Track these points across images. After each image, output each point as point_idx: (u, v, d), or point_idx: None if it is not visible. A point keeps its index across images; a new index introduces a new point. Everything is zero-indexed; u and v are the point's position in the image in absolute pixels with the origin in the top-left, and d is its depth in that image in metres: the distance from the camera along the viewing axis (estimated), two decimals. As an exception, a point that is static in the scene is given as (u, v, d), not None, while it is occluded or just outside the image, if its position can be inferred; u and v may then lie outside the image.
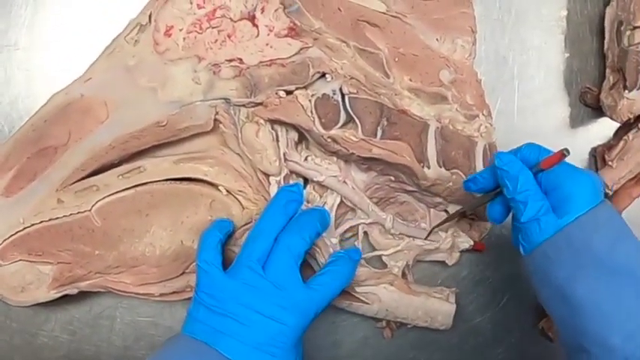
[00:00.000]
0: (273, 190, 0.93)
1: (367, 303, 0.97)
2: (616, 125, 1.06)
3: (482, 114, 0.97)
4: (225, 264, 0.87)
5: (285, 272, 0.84)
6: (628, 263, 0.79)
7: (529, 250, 0.83)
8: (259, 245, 0.85)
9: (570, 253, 0.80)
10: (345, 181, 0.95)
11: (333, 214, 0.96)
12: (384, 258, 1.00)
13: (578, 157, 1.07)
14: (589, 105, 1.06)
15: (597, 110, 1.05)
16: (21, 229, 0.90)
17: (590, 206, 0.81)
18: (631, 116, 1.00)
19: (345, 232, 0.99)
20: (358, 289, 0.96)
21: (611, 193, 1.04)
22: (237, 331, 0.81)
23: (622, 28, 1.00)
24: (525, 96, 1.06)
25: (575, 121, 1.07)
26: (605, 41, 1.04)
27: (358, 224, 0.98)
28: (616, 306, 0.78)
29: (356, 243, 0.99)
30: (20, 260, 0.91)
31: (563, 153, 0.81)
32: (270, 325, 0.82)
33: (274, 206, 0.89)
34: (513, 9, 1.06)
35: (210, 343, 0.81)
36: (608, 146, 1.05)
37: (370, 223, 0.99)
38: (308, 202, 0.95)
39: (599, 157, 1.06)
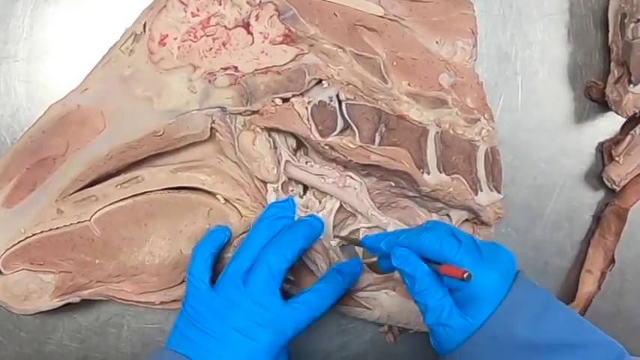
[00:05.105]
0: (271, 197, 0.92)
1: (369, 308, 0.96)
2: (623, 119, 1.05)
3: (484, 117, 0.96)
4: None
5: (263, 289, 0.84)
6: (558, 335, 0.76)
7: (444, 352, 0.80)
8: (242, 261, 0.85)
9: (494, 347, 0.76)
10: (344, 187, 0.95)
11: (332, 218, 0.96)
12: (385, 261, 0.99)
13: (585, 153, 1.06)
14: (595, 99, 1.05)
15: (603, 104, 1.04)
16: (22, 238, 0.90)
17: (503, 294, 0.77)
18: (636, 111, 0.99)
19: (346, 236, 0.98)
20: (360, 294, 0.96)
21: (618, 189, 1.03)
22: (214, 347, 0.82)
23: (626, 21, 0.98)
24: (529, 91, 1.05)
25: (581, 116, 1.06)
26: (610, 34, 1.03)
27: (359, 228, 0.97)
28: None
29: (356, 249, 0.99)
30: (23, 269, 0.91)
31: (464, 277, 0.73)
32: (245, 343, 0.82)
33: (262, 222, 0.89)
34: (515, 3, 1.04)
35: (192, 357, 0.81)
36: (615, 141, 1.04)
37: (371, 227, 0.97)
38: (307, 207, 0.95)
39: (605, 152, 1.05)
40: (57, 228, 0.91)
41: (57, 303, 0.93)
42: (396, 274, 0.97)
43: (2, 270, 0.91)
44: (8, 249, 0.90)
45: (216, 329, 0.82)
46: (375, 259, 0.92)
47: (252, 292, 0.83)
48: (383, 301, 0.96)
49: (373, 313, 0.97)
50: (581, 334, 0.77)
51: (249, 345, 0.82)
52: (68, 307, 0.95)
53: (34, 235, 0.91)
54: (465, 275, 0.73)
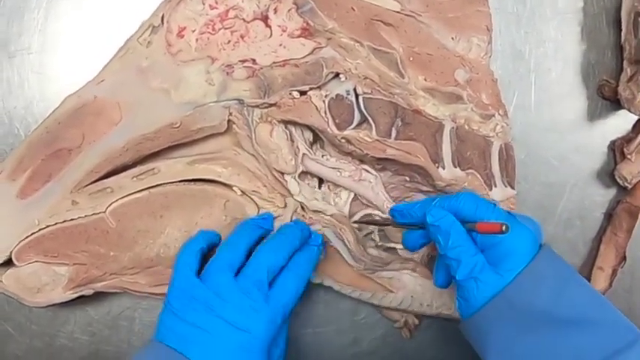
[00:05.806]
0: (292, 185, 0.93)
1: (392, 291, 0.96)
2: (635, 118, 1.05)
3: (499, 113, 0.97)
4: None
5: (255, 283, 0.83)
6: (576, 310, 0.77)
7: (469, 313, 0.81)
8: (230, 255, 0.85)
9: (513, 314, 0.77)
10: (360, 180, 0.95)
11: (347, 208, 0.96)
12: (399, 251, 0.98)
13: (597, 151, 1.06)
14: (607, 98, 1.05)
15: (616, 103, 1.04)
16: (36, 230, 0.90)
17: (529, 259, 0.79)
18: (649, 109, 0.99)
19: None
20: (383, 274, 0.97)
21: (629, 187, 1.03)
22: (204, 339, 0.80)
23: (639, 19, 0.98)
24: (542, 89, 1.05)
25: (593, 115, 1.06)
26: (622, 33, 1.03)
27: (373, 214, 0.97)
28: (569, 357, 0.75)
29: (372, 235, 0.98)
30: (36, 261, 0.91)
31: (502, 229, 0.75)
32: (237, 334, 0.81)
33: (245, 225, 0.90)
34: (528, 1, 1.04)
35: (181, 350, 0.80)
36: (627, 139, 1.04)
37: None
38: (323, 199, 0.95)
39: (617, 150, 1.04)
40: (71, 220, 0.91)
41: (70, 295, 0.93)
42: (415, 256, 0.97)
43: (15, 262, 0.90)
44: (22, 240, 0.90)
45: (204, 321, 0.81)
46: (391, 244, 0.93)
47: (244, 285, 0.82)
48: (406, 281, 0.97)
49: (397, 296, 0.97)
50: (600, 312, 0.78)
51: (242, 336, 0.81)
52: (80, 300, 0.94)
53: (48, 226, 0.90)
54: (503, 228, 0.74)
